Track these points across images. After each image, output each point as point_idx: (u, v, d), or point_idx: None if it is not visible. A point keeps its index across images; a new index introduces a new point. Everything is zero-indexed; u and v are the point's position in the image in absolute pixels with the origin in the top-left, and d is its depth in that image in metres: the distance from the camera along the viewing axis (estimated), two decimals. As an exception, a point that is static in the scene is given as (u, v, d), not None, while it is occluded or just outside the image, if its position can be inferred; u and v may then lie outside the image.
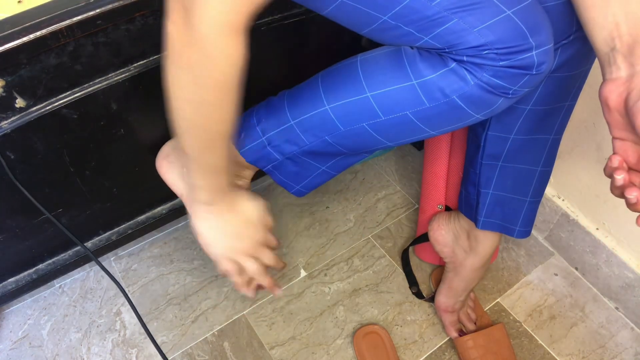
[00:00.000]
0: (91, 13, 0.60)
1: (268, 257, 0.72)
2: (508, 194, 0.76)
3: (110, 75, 0.69)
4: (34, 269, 0.85)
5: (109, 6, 0.61)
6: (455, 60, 0.54)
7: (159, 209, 0.91)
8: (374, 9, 0.53)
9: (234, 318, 0.93)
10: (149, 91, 0.73)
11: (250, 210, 0.69)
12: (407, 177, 1.16)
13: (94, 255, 0.75)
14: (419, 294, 0.96)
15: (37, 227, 0.79)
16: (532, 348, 0.91)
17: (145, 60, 0.70)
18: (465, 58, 0.53)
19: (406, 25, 0.53)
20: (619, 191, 0.48)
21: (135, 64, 0.70)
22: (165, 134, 0.81)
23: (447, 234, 0.90)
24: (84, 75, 0.66)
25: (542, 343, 0.91)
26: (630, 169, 0.49)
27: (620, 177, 0.47)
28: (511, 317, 0.94)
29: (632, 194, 0.45)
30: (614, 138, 0.50)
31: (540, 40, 0.52)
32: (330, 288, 0.97)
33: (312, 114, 0.65)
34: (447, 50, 0.54)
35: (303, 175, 0.75)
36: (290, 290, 0.97)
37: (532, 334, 0.92)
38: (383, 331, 0.90)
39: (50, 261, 0.85)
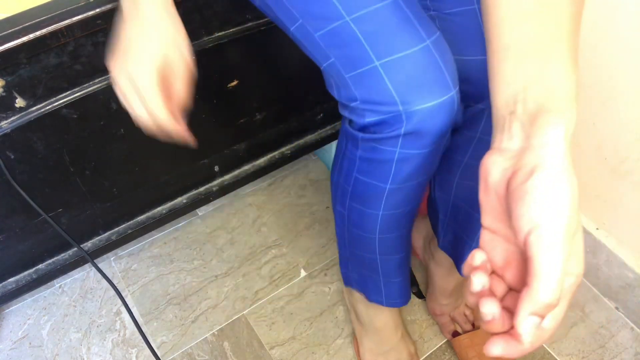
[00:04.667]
0: (91, 13, 0.60)
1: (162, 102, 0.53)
2: (458, 230, 0.75)
3: (110, 75, 0.69)
4: (34, 269, 0.85)
5: (109, 6, 0.61)
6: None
7: (159, 209, 0.91)
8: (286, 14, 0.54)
9: (234, 318, 0.93)
10: (149, 91, 0.73)
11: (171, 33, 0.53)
12: (407, 177, 1.16)
13: (94, 256, 0.75)
14: (419, 294, 0.96)
15: (37, 227, 0.79)
16: (532, 348, 0.90)
17: (145, 60, 0.70)
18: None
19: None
20: (473, 299, 0.35)
21: (135, 64, 0.70)
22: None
23: (419, 238, 0.91)
24: (83, 75, 0.66)
25: (542, 343, 0.91)
26: (493, 273, 0.37)
27: (479, 282, 0.35)
28: (511, 317, 0.94)
29: (488, 308, 0.34)
30: (483, 228, 0.38)
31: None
32: (330, 288, 0.97)
33: None
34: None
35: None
36: (290, 290, 0.97)
37: (532, 334, 0.92)
38: None
39: (50, 261, 0.85)
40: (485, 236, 0.38)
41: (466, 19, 0.54)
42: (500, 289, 0.37)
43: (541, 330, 0.33)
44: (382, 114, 0.52)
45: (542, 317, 0.32)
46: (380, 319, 0.84)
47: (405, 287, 0.79)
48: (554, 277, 0.32)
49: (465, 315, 0.90)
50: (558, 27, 0.37)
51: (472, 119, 0.58)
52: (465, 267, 0.37)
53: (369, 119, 0.53)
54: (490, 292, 0.36)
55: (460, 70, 0.54)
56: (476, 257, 0.36)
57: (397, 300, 0.80)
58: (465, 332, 0.88)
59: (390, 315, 0.84)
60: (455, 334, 0.88)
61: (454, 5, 0.54)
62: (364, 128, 0.55)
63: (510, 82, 0.38)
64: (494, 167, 0.36)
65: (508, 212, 0.35)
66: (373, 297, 0.79)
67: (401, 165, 0.57)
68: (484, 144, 0.59)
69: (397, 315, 0.86)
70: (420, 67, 0.50)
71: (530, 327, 0.32)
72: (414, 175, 0.58)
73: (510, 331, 0.34)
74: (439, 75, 0.50)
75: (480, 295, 0.35)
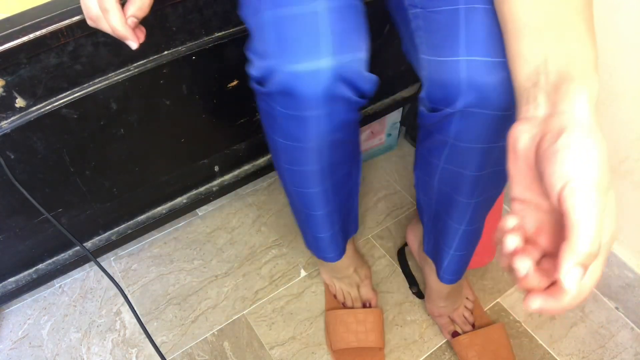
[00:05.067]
0: (91, 13, 0.60)
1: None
2: (437, 236, 0.76)
3: (110, 75, 0.69)
4: (34, 269, 0.85)
5: (109, 6, 0.61)
6: None
7: (159, 209, 0.91)
8: None
9: (234, 318, 0.93)
10: (149, 91, 0.73)
11: None
12: (407, 177, 1.16)
13: (93, 256, 0.74)
14: (419, 294, 0.96)
15: (37, 227, 0.79)
16: (532, 348, 0.90)
17: (145, 60, 0.70)
18: None
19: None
20: (506, 261, 0.36)
21: (135, 64, 0.70)
22: (164, 133, 0.81)
23: (414, 241, 0.92)
24: (83, 75, 0.66)
25: (542, 343, 0.91)
26: (526, 242, 0.37)
27: (512, 242, 0.35)
28: (511, 317, 0.94)
29: (522, 263, 0.34)
30: (513, 200, 0.39)
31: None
32: (330, 288, 0.97)
33: None
34: None
35: None
36: (290, 290, 0.97)
37: (532, 334, 0.92)
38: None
39: (50, 261, 0.85)
40: (516, 207, 0.38)
41: (448, 18, 0.53)
42: (534, 254, 0.37)
43: (581, 286, 0.34)
44: (260, 68, 0.54)
45: (586, 267, 0.32)
46: (331, 263, 0.88)
47: (335, 243, 0.80)
48: (592, 226, 0.32)
49: (465, 317, 0.90)
50: (570, 3, 0.39)
51: (441, 123, 0.58)
52: (497, 232, 0.37)
53: (254, 72, 0.55)
54: (524, 251, 0.36)
55: (435, 71, 0.54)
56: (509, 221, 0.36)
57: (327, 255, 0.83)
58: (464, 332, 0.89)
59: (340, 260, 0.87)
60: (455, 334, 0.88)
61: (440, 4, 0.54)
62: (255, 81, 0.57)
63: (530, 58, 0.39)
64: (522, 135, 0.37)
65: (538, 178, 0.36)
66: (309, 245, 0.85)
67: (288, 123, 0.58)
68: (457, 149, 0.59)
69: (348, 256, 0.88)
70: (304, 27, 0.51)
71: (575, 278, 0.32)
72: (302, 137, 0.59)
73: (548, 288, 0.35)
74: (322, 41, 0.51)
75: (514, 254, 0.35)
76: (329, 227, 0.76)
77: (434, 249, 0.79)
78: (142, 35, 0.51)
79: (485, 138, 0.56)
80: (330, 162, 0.64)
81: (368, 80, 0.56)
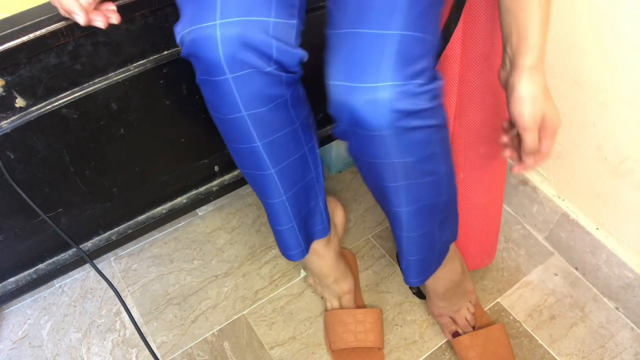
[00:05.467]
0: (91, 13, 0.60)
1: None
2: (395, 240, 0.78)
3: (110, 75, 0.69)
4: (34, 269, 0.85)
5: (109, 6, 0.61)
6: None
7: (159, 209, 0.91)
8: None
9: (234, 318, 0.93)
10: (149, 91, 0.73)
11: None
12: (407, 177, 1.16)
13: (94, 256, 0.75)
14: (419, 294, 0.96)
15: (36, 227, 0.79)
16: (532, 348, 0.90)
17: (145, 60, 0.70)
18: None
19: None
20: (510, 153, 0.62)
21: (135, 64, 0.70)
22: (164, 133, 0.81)
23: None
24: (83, 75, 0.66)
25: (542, 343, 0.91)
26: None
27: (504, 139, 0.63)
28: (511, 317, 0.94)
29: (504, 139, 0.63)
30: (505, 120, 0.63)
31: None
32: (330, 288, 0.97)
33: None
34: None
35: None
36: (290, 290, 0.97)
37: (532, 334, 0.92)
38: (349, 252, 1.00)
39: (50, 261, 0.85)
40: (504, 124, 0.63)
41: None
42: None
43: (543, 150, 0.60)
44: (178, 34, 0.56)
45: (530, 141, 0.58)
46: (309, 265, 0.89)
47: (294, 239, 0.79)
48: (524, 119, 0.57)
49: (467, 320, 0.90)
50: None
51: (362, 146, 0.60)
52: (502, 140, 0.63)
53: (177, 39, 0.57)
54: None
55: (351, 43, 0.55)
56: (503, 138, 0.63)
57: (288, 252, 0.82)
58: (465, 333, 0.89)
59: (318, 264, 0.87)
60: (456, 334, 0.88)
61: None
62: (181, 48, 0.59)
63: (503, 30, 0.58)
64: (501, 79, 0.61)
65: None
66: (278, 243, 0.83)
67: (207, 91, 0.60)
68: (361, 163, 0.64)
69: (327, 264, 0.87)
70: None
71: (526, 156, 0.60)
72: (222, 107, 0.60)
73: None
74: (221, 2, 0.53)
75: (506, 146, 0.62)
76: (286, 219, 0.76)
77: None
78: (114, 16, 0.57)
79: (375, 154, 0.59)
80: (270, 143, 0.64)
81: (289, 54, 0.57)
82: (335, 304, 0.91)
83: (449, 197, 0.72)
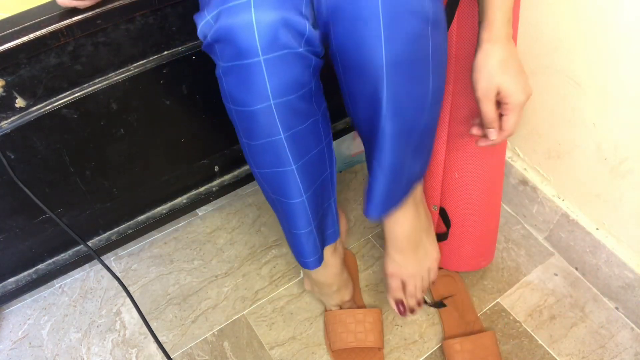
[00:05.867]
0: (91, 13, 0.60)
1: None
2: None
3: (110, 75, 0.69)
4: (34, 269, 0.85)
5: (109, 6, 0.61)
6: None
7: (159, 209, 0.92)
8: None
9: (234, 318, 0.93)
10: (149, 91, 0.73)
11: None
12: (407, 177, 1.16)
13: (96, 254, 0.75)
14: (419, 294, 0.96)
15: (37, 227, 0.79)
16: (532, 348, 0.90)
17: (145, 60, 0.70)
18: None
19: None
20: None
21: (135, 64, 0.70)
22: (164, 133, 0.81)
23: None
24: (84, 75, 0.67)
25: (542, 343, 0.91)
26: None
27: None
28: (511, 317, 0.94)
29: (475, 130, 0.70)
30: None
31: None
32: (330, 288, 0.97)
33: None
34: None
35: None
36: (290, 290, 0.97)
37: (532, 334, 0.92)
38: (349, 252, 0.99)
39: (50, 261, 0.85)
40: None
41: None
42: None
43: (505, 128, 0.65)
44: (202, 21, 0.56)
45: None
46: (312, 274, 0.84)
47: (313, 244, 0.75)
48: (480, 93, 0.64)
49: (416, 289, 0.82)
50: None
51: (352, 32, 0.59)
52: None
53: (199, 31, 0.57)
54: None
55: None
56: (474, 130, 0.70)
57: (306, 259, 0.77)
58: (410, 309, 0.83)
59: (323, 274, 0.83)
60: (400, 304, 0.82)
61: None
62: (202, 39, 0.58)
63: (479, 15, 0.64)
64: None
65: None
66: (291, 249, 0.79)
67: (228, 79, 0.58)
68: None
69: (332, 273, 0.84)
70: None
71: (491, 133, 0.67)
72: (242, 97, 0.58)
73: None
74: None
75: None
76: (305, 222, 0.72)
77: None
78: None
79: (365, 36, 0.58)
80: (293, 136, 0.62)
81: (314, 33, 0.56)
82: (335, 309, 0.90)
83: (430, 122, 0.67)
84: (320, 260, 0.78)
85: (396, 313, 0.84)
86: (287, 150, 0.63)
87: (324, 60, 0.60)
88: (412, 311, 0.83)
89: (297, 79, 0.57)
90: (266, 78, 0.55)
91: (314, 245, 0.75)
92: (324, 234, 0.79)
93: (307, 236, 0.74)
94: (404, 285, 0.81)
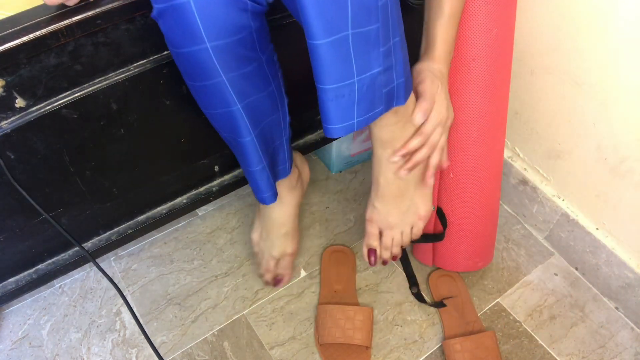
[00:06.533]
0: (91, 13, 0.60)
1: None
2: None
3: (110, 75, 0.69)
4: (34, 269, 0.85)
5: (109, 6, 0.61)
6: None
7: (159, 209, 0.91)
8: None
9: (234, 318, 0.93)
10: (149, 91, 0.73)
11: None
12: (407, 177, 1.16)
13: (93, 256, 0.75)
14: (419, 295, 0.96)
15: (37, 227, 0.79)
16: (532, 348, 0.91)
17: (145, 60, 0.70)
18: None
19: None
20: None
21: (135, 64, 0.70)
22: (164, 133, 0.81)
23: None
24: (84, 75, 0.66)
25: (542, 343, 0.91)
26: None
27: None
28: (511, 317, 0.94)
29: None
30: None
31: None
32: (330, 288, 0.97)
33: None
34: None
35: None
36: (290, 290, 0.97)
37: (532, 334, 0.92)
38: (349, 250, 1.01)
39: (50, 261, 0.85)
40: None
41: None
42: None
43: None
44: None
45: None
46: (266, 210, 0.87)
47: (267, 179, 0.77)
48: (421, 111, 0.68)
49: (392, 243, 0.79)
50: (442, 17, 0.71)
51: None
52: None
53: None
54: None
55: None
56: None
57: (262, 195, 0.79)
58: (384, 261, 0.81)
59: (278, 210, 0.86)
60: (372, 253, 0.80)
61: None
62: None
63: (423, 39, 0.74)
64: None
65: None
66: (252, 189, 0.81)
67: (163, 22, 0.58)
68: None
69: (286, 212, 0.87)
70: None
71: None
72: (178, 38, 0.58)
73: None
74: None
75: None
76: (257, 159, 0.73)
77: None
78: None
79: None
80: (234, 78, 0.62)
81: None
82: (272, 264, 0.92)
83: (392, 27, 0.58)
84: (274, 195, 0.81)
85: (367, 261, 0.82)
86: (230, 91, 0.63)
87: (266, 4, 0.59)
88: (383, 263, 0.83)
89: (233, 22, 0.57)
90: (198, 19, 0.55)
91: (267, 181, 0.78)
92: (276, 169, 0.81)
93: (261, 173, 0.76)
94: (381, 235, 0.79)
